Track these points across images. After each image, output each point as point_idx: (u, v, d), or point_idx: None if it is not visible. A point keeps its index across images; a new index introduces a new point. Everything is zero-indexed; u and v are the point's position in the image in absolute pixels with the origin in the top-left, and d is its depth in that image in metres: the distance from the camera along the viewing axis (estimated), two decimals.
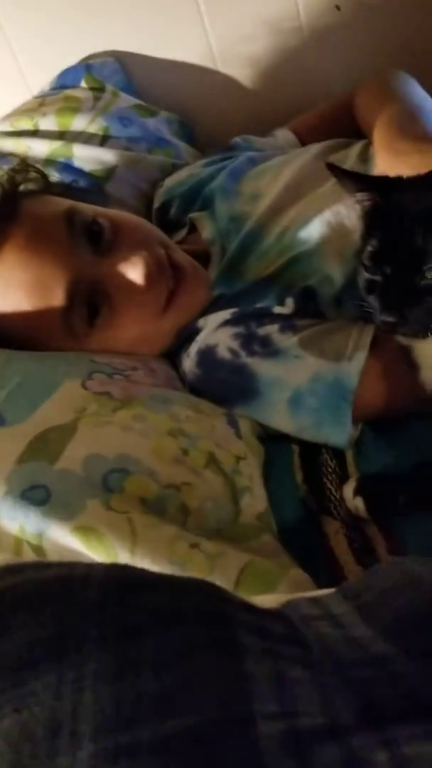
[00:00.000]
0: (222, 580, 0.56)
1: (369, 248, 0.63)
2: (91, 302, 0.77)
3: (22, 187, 0.84)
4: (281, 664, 0.29)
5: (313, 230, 0.82)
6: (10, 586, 0.36)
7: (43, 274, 0.75)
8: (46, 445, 0.63)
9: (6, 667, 0.32)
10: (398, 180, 0.67)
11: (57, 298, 0.75)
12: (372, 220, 0.66)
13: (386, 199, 0.64)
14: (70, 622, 0.33)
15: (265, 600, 0.38)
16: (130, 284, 0.77)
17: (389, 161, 0.80)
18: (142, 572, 0.37)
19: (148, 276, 0.77)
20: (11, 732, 0.29)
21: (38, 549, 0.58)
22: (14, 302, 0.75)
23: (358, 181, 0.67)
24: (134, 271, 0.77)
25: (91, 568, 0.37)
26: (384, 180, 0.68)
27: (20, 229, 0.76)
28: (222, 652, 0.30)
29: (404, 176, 0.66)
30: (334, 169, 0.69)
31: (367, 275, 0.65)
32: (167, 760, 0.25)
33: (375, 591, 0.36)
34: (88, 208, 0.81)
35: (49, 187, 0.89)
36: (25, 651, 0.32)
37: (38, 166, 0.95)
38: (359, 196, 0.67)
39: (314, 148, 0.95)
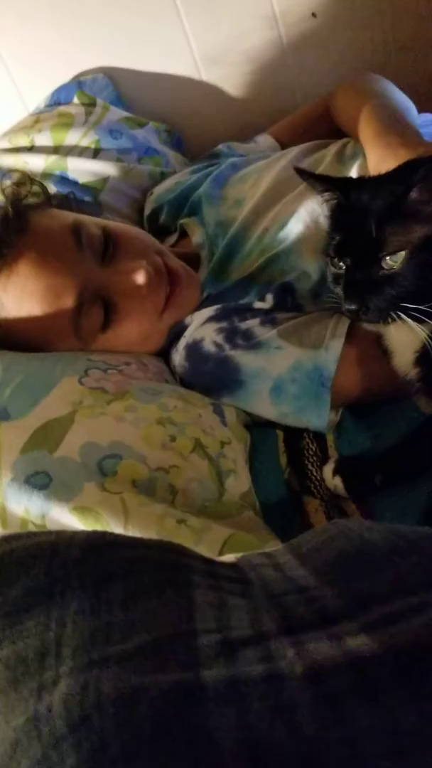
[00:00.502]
0: (206, 551, 0.61)
1: (332, 243, 0.69)
2: (105, 305, 0.83)
3: (26, 201, 0.90)
4: (223, 596, 0.36)
5: (290, 229, 0.88)
6: (7, 551, 0.43)
7: (54, 283, 0.81)
8: (46, 436, 0.69)
9: (5, 612, 0.39)
10: (358, 180, 0.72)
11: (67, 304, 0.81)
12: (335, 216, 0.71)
13: (347, 198, 0.69)
14: (56, 575, 0.40)
15: (227, 557, 0.44)
16: (133, 289, 0.83)
17: (381, 155, 0.83)
18: (117, 535, 0.44)
19: (148, 282, 0.83)
20: (8, 657, 0.36)
21: (42, 528, 0.65)
22: (29, 309, 0.81)
23: (323, 182, 0.72)
24: (137, 278, 0.83)
25: (75, 534, 0.44)
26: (345, 180, 0.73)
27: (31, 242, 0.82)
28: (176, 589, 0.37)
29: (364, 176, 0.72)
30: (302, 173, 0.74)
31: (332, 268, 0.70)
32: (128, 667, 0.32)
33: (313, 543, 0.42)
34: (91, 221, 0.87)
35: (50, 200, 0.95)
36: (20, 599, 0.39)
37: (38, 179, 1.02)
38: (325, 195, 0.72)
39: (293, 152, 1.00)
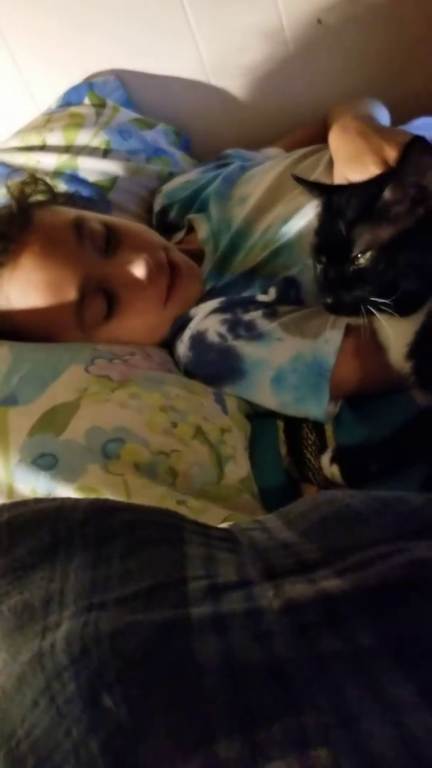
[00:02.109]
0: None
1: (315, 241, 0.74)
2: (107, 297, 0.86)
3: (31, 199, 0.95)
4: (212, 551, 0.40)
5: (294, 224, 0.91)
6: (15, 515, 0.46)
7: (57, 275, 0.84)
8: (53, 420, 0.73)
9: (13, 569, 0.43)
10: (340, 186, 0.78)
11: (70, 295, 0.84)
12: (319, 218, 0.76)
13: (330, 201, 0.74)
14: (60, 535, 0.43)
15: (221, 525, 0.48)
16: (134, 281, 0.87)
17: (337, 135, 0.91)
18: (118, 502, 0.47)
19: (149, 273, 0.87)
20: (16, 605, 0.39)
21: None
22: (33, 301, 0.85)
23: (313, 187, 0.79)
24: (137, 270, 0.87)
25: (79, 500, 0.48)
26: (330, 186, 0.80)
27: (35, 236, 0.86)
28: (170, 545, 0.41)
29: (346, 183, 0.79)
30: (297, 179, 0.80)
31: (315, 266, 0.75)
32: (124, 608, 0.36)
33: (301, 510, 0.46)
34: (94, 217, 0.91)
35: (55, 198, 0.99)
36: (27, 557, 0.43)
37: (47, 178, 1.06)
38: (315, 199, 0.78)
39: (295, 154, 1.04)
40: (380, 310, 0.69)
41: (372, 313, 0.70)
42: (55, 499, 0.48)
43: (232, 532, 0.44)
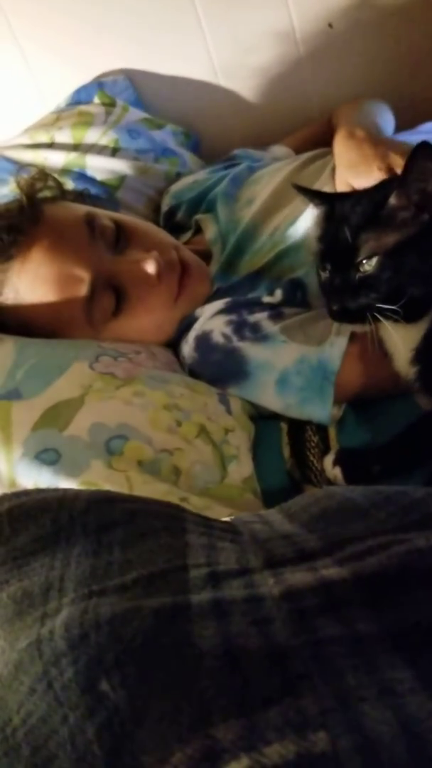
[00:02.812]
0: None
1: (319, 249, 0.75)
2: (116, 293, 0.87)
3: (41, 194, 0.95)
4: (213, 540, 0.41)
5: (301, 226, 0.92)
6: (17, 504, 0.47)
7: (67, 269, 0.85)
8: (57, 415, 0.74)
9: (13, 557, 0.44)
10: (343, 194, 0.80)
11: (80, 290, 0.85)
12: (322, 225, 0.77)
13: (332, 209, 0.75)
14: (62, 524, 0.44)
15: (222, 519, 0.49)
16: (144, 278, 0.88)
17: (343, 141, 0.91)
18: (120, 493, 0.48)
19: (159, 271, 0.88)
20: (15, 592, 0.40)
21: None
22: (42, 294, 0.86)
23: (315, 195, 0.80)
24: (148, 267, 0.88)
25: (81, 490, 0.48)
26: (332, 194, 0.81)
27: (45, 230, 0.87)
28: (171, 534, 0.42)
29: (349, 189, 0.81)
30: (298, 188, 0.81)
31: (320, 273, 0.76)
32: (125, 596, 0.36)
33: (301, 503, 0.47)
34: (104, 214, 0.92)
35: (64, 195, 1.00)
36: (28, 545, 0.44)
37: (54, 175, 1.07)
38: (317, 207, 0.79)
39: (303, 157, 1.05)
40: (386, 317, 0.70)
41: (378, 319, 0.70)
42: (57, 490, 0.49)
43: (234, 524, 0.45)
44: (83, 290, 0.85)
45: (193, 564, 0.38)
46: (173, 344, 0.95)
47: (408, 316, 0.71)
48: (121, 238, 0.90)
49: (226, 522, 0.46)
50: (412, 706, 0.28)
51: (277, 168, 1.06)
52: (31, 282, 0.86)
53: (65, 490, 0.48)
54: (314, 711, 0.28)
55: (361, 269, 0.70)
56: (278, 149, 1.19)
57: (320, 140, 1.09)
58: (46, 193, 0.97)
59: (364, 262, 0.70)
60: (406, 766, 0.26)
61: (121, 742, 0.30)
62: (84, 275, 0.85)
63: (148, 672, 0.32)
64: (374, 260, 0.70)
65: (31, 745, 0.32)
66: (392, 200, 0.70)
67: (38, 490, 0.49)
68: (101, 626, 0.35)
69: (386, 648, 0.30)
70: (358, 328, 0.76)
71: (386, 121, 1.04)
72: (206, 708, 0.30)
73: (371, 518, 0.40)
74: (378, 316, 0.70)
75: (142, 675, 0.32)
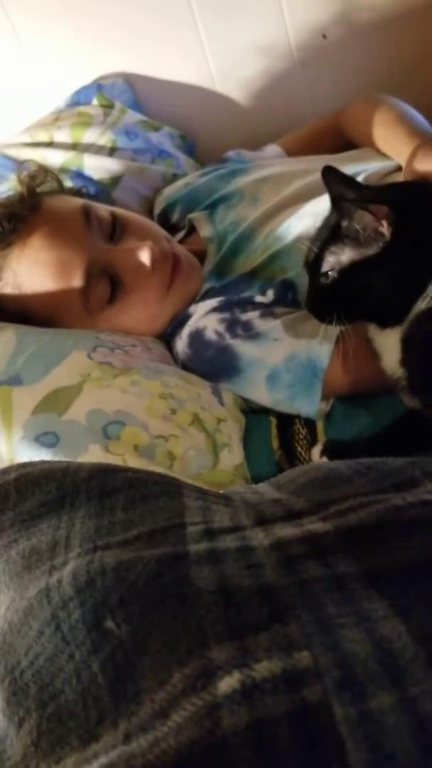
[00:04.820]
0: None
1: (305, 251, 0.81)
2: (112, 281, 0.92)
3: (41, 188, 1.01)
4: (208, 504, 0.46)
5: (292, 229, 0.97)
6: (23, 473, 0.52)
7: (64, 255, 0.90)
8: (56, 401, 0.78)
9: (21, 520, 0.48)
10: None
11: (77, 277, 0.90)
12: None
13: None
14: (66, 490, 0.49)
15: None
16: (139, 266, 0.93)
17: (420, 153, 0.89)
18: (120, 465, 0.53)
19: (153, 260, 0.93)
20: (24, 550, 0.45)
21: None
22: (40, 279, 0.91)
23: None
24: (142, 256, 0.93)
25: (83, 462, 0.53)
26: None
27: (44, 218, 0.92)
28: (169, 497, 0.47)
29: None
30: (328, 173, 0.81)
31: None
32: (127, 549, 0.41)
33: (289, 477, 0.52)
34: (100, 205, 0.98)
35: (63, 190, 1.06)
36: (35, 509, 0.48)
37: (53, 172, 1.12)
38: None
39: (318, 162, 1.06)
40: (357, 321, 0.77)
41: (347, 323, 0.77)
42: (61, 462, 0.53)
43: (226, 494, 0.50)
44: (80, 276, 0.90)
45: (191, 522, 0.43)
46: (167, 340, 0.99)
47: (381, 322, 0.77)
48: (117, 228, 0.95)
49: (219, 492, 0.51)
50: (386, 629, 0.33)
51: (287, 173, 1.07)
52: (30, 267, 0.91)
53: (69, 462, 0.53)
54: (299, 635, 0.33)
55: (323, 279, 0.77)
56: (271, 149, 1.24)
57: (321, 141, 1.13)
58: (46, 187, 1.02)
59: (329, 272, 0.76)
60: (379, 677, 0.31)
61: (123, 670, 0.34)
62: (80, 262, 0.90)
63: (150, 608, 0.36)
64: (334, 273, 0.76)
65: (38, 683, 0.36)
66: (345, 222, 0.75)
67: (43, 462, 0.54)
68: (107, 572, 0.39)
69: (364, 585, 0.35)
70: (332, 328, 0.82)
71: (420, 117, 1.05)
72: (203, 634, 0.34)
73: (354, 484, 0.45)
74: (345, 320, 0.77)
75: (144, 611, 0.36)
